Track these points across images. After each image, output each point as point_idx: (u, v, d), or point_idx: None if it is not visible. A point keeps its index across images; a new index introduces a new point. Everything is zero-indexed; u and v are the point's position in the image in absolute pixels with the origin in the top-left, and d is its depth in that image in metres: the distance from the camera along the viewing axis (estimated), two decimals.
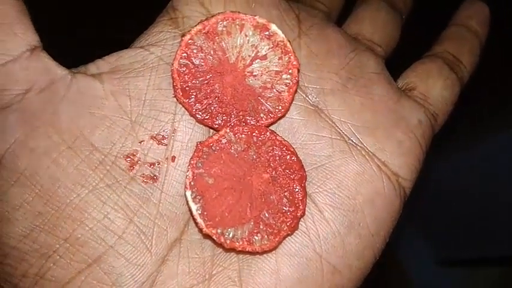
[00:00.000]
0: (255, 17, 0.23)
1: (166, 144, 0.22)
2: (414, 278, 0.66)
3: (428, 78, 0.27)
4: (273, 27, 0.23)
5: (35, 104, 0.21)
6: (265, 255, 0.22)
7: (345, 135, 0.24)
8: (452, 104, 0.28)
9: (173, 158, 0.22)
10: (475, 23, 0.31)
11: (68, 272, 0.21)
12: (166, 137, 0.22)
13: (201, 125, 0.23)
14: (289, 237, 0.22)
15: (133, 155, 0.22)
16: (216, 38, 0.23)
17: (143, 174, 0.22)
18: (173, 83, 0.23)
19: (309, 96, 0.24)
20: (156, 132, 0.22)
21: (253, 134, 0.23)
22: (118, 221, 0.21)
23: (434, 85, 0.27)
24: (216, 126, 0.23)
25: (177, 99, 0.23)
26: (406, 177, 0.25)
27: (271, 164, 0.23)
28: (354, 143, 0.24)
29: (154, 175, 0.22)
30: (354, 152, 0.24)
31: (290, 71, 0.23)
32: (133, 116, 0.22)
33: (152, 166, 0.22)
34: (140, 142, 0.22)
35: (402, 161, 0.24)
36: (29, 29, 0.21)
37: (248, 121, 0.23)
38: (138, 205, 0.21)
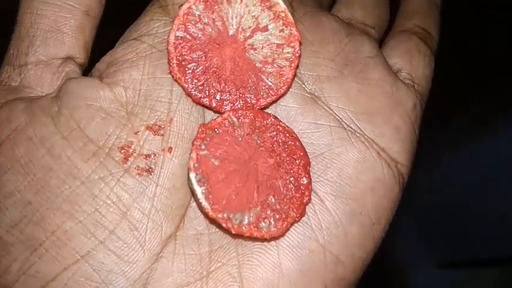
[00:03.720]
0: None
1: (162, 135, 0.21)
2: (414, 280, 0.66)
3: (411, 58, 0.27)
4: None
5: (44, 102, 0.21)
6: (266, 248, 0.21)
7: (344, 122, 0.23)
8: (431, 81, 0.28)
9: (170, 149, 0.21)
10: None
11: (54, 267, 0.19)
12: (162, 127, 0.21)
13: (197, 114, 0.22)
14: (291, 228, 0.21)
15: (128, 147, 0.20)
16: (216, 7, 0.21)
17: (138, 166, 0.20)
18: (168, 57, 0.21)
19: (306, 84, 0.24)
20: (152, 123, 0.21)
21: (257, 118, 0.21)
22: (110, 216, 0.20)
23: (417, 65, 0.27)
24: (214, 106, 0.21)
25: (173, 76, 0.21)
26: (404, 162, 0.24)
27: (276, 150, 0.21)
28: (353, 129, 0.23)
29: (150, 167, 0.20)
30: (353, 139, 0.23)
31: (292, 44, 0.22)
32: (128, 107, 0.21)
33: (148, 158, 0.20)
34: (136, 133, 0.21)
35: (400, 146, 0.24)
36: (76, 42, 0.22)
37: (248, 99, 0.22)
38: (131, 199, 0.20)
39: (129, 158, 0.20)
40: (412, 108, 0.25)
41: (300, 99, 0.23)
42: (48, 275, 0.19)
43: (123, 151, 0.20)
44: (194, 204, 0.21)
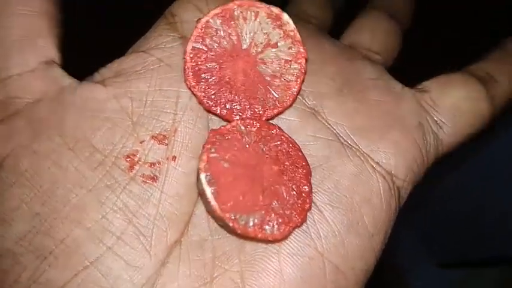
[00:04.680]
0: (269, 6, 0.23)
1: (167, 144, 0.22)
2: (412, 281, 0.65)
3: (446, 87, 0.27)
4: (285, 17, 0.23)
5: (43, 111, 0.21)
6: (267, 255, 0.22)
7: (341, 137, 0.24)
8: (474, 120, 0.27)
9: (174, 158, 0.22)
10: None
11: (64, 274, 0.19)
12: (167, 136, 0.22)
13: (202, 125, 0.23)
14: (291, 236, 0.22)
15: (134, 155, 0.21)
16: (232, 22, 0.23)
17: (143, 174, 0.21)
18: (184, 66, 0.22)
19: (306, 99, 0.25)
20: (157, 132, 0.22)
21: (263, 128, 0.23)
22: (116, 222, 0.20)
23: (450, 94, 0.27)
24: (224, 114, 0.23)
25: (187, 84, 0.22)
26: (400, 176, 0.25)
27: (280, 158, 0.23)
28: (349, 144, 0.24)
29: (155, 175, 0.21)
30: (349, 153, 0.24)
31: (299, 61, 0.24)
32: (134, 117, 0.22)
33: (152, 166, 0.21)
34: (141, 142, 0.21)
35: (397, 160, 0.25)
36: (50, 43, 0.22)
37: (256, 110, 0.23)
38: (137, 206, 0.21)
39: (135, 166, 0.21)
40: (417, 126, 0.25)
41: (301, 113, 0.24)
42: (58, 282, 0.19)
43: (128, 159, 0.21)
44: (198, 211, 0.22)
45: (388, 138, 0.25)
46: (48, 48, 0.22)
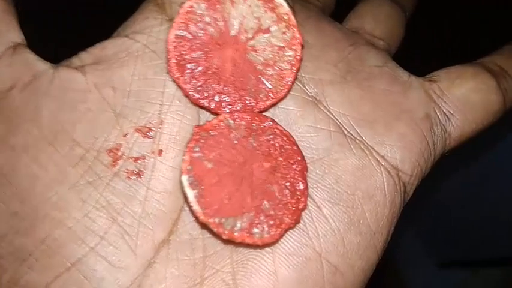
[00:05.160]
0: None
1: (152, 137, 0.20)
2: (413, 281, 0.65)
3: (456, 78, 0.25)
4: None
5: (17, 100, 0.20)
6: (261, 255, 0.20)
7: (344, 128, 0.23)
8: (484, 112, 0.25)
9: (160, 152, 0.20)
10: None
11: (45, 276, 0.19)
12: (153, 129, 0.20)
13: (191, 117, 0.21)
14: (286, 235, 0.21)
15: (117, 149, 0.20)
16: (218, 6, 0.21)
17: (127, 169, 0.20)
18: (167, 56, 0.21)
19: (306, 87, 0.23)
20: (141, 125, 0.20)
21: (254, 121, 0.21)
22: (100, 221, 0.19)
23: (460, 85, 0.25)
24: (213, 107, 0.21)
25: (171, 75, 0.21)
26: (406, 171, 0.23)
27: (272, 153, 0.21)
28: (353, 136, 0.23)
29: (140, 170, 0.20)
30: (352, 145, 0.23)
31: (294, 47, 0.22)
32: (117, 108, 0.20)
33: (137, 161, 0.20)
34: (124, 135, 0.20)
35: (403, 154, 0.23)
36: (12, 27, 0.21)
37: (247, 102, 0.21)
38: (121, 203, 0.20)
39: (118, 161, 0.20)
40: (424, 117, 0.24)
41: (301, 102, 0.23)
42: (39, 284, 0.19)
43: (111, 154, 0.20)
44: (188, 208, 0.21)
45: (394, 131, 0.23)
46: (11, 32, 0.21)
